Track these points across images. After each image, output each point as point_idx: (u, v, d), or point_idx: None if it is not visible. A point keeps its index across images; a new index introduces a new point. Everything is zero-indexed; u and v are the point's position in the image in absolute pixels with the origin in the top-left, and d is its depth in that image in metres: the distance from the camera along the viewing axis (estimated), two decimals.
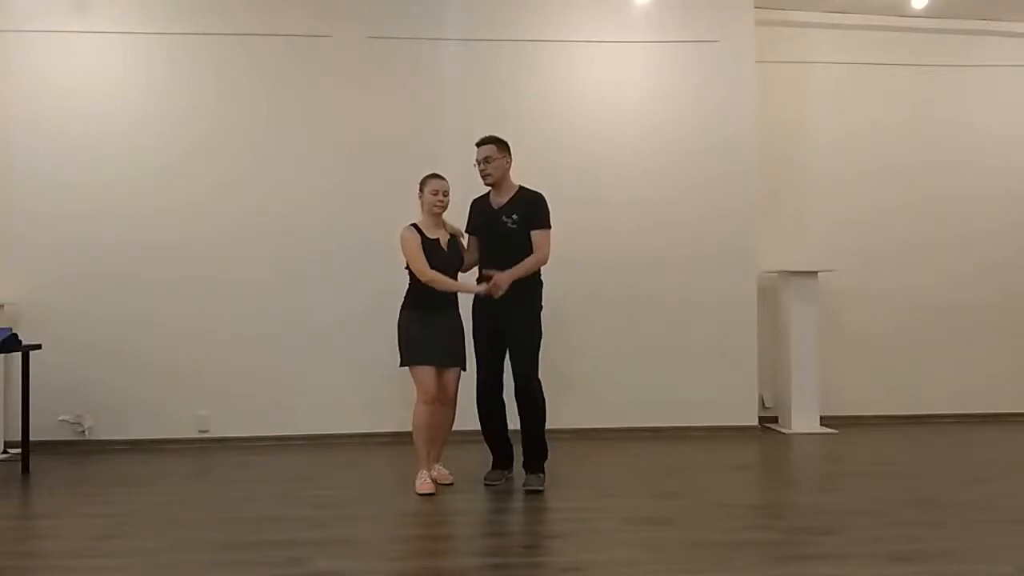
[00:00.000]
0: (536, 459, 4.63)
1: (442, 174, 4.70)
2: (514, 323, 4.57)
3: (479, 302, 4.65)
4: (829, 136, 6.90)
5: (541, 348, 4.64)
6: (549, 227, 4.65)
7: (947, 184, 6.96)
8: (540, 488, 4.53)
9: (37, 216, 5.95)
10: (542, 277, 4.71)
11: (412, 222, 4.68)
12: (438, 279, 4.56)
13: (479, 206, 4.80)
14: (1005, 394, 6.95)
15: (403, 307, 4.66)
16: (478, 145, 4.69)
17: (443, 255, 4.65)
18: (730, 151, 6.40)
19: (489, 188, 4.71)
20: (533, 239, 4.60)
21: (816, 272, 6.53)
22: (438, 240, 4.66)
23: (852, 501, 4.31)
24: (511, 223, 4.60)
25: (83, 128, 6.00)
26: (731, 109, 6.40)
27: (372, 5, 6.22)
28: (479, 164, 4.65)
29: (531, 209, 4.63)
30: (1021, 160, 7.08)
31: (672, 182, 6.38)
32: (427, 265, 4.56)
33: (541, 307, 4.70)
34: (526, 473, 4.64)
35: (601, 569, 3.32)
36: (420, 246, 4.58)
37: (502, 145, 4.68)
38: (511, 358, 4.61)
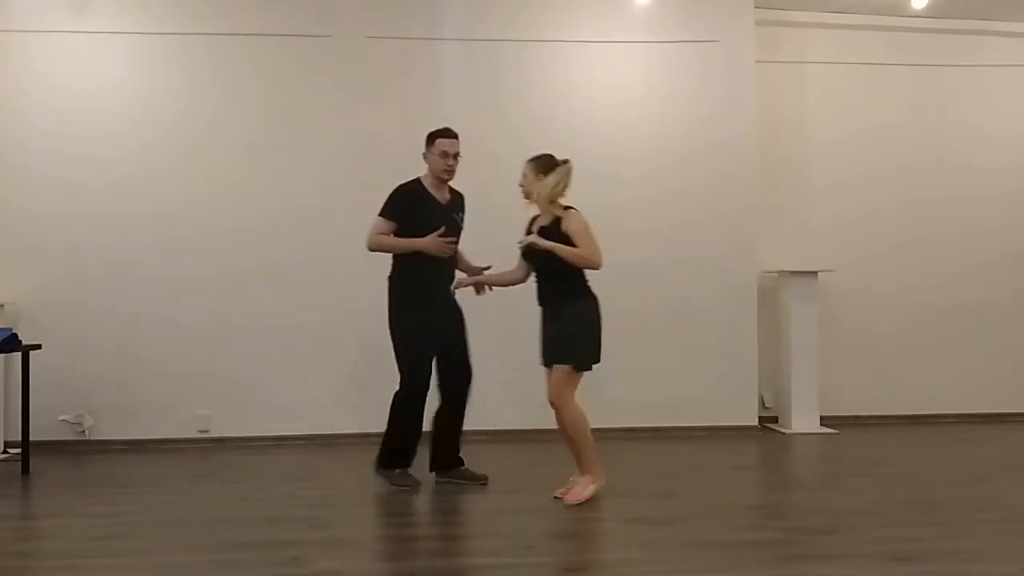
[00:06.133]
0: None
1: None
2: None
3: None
4: (829, 136, 6.89)
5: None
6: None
7: (947, 184, 6.95)
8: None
9: (37, 216, 5.94)
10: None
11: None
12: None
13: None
14: (1005, 394, 6.94)
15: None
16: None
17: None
18: (730, 151, 6.39)
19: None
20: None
21: (816, 272, 6.52)
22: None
23: (852, 501, 4.31)
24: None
25: (83, 128, 5.99)
26: (731, 109, 6.40)
27: (372, 5, 6.22)
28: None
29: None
30: (1021, 160, 7.08)
31: (672, 182, 6.37)
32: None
33: None
34: (460, 467, 4.76)
35: (601, 569, 3.32)
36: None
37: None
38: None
